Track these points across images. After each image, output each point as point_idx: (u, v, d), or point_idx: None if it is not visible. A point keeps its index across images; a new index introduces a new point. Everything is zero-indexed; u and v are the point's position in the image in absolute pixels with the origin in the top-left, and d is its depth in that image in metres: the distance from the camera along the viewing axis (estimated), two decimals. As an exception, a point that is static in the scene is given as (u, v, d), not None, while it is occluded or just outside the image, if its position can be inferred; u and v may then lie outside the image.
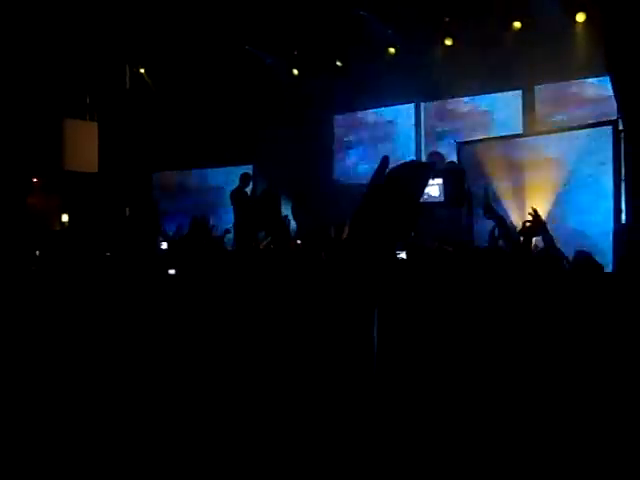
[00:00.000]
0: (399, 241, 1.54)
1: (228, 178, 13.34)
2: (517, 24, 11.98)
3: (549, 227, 4.46)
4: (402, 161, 1.59)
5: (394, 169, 1.56)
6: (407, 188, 1.52)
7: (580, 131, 10.31)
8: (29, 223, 12.24)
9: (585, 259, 3.75)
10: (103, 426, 2.13)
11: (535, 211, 4.61)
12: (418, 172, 1.59)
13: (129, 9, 12.34)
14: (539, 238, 4.50)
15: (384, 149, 13.76)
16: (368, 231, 1.48)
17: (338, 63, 14.04)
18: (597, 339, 2.37)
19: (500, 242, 5.41)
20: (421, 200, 1.60)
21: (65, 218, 13.79)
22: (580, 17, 11.40)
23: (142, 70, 15.55)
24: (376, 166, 1.53)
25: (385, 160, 1.57)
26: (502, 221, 4.67)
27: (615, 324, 2.58)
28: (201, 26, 12.81)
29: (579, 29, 11.39)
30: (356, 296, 1.43)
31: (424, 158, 12.64)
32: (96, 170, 14.81)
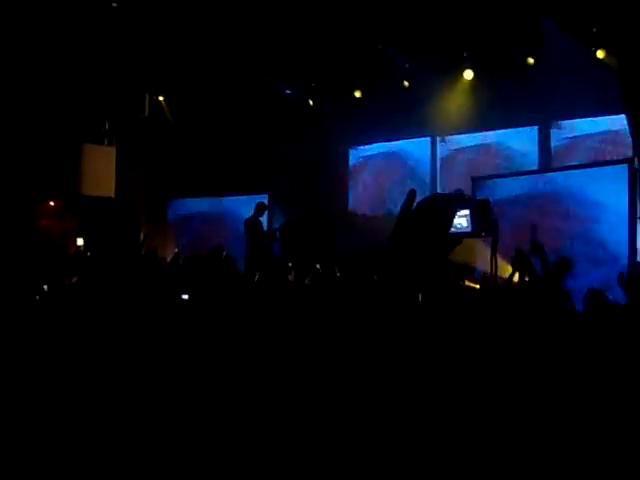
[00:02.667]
0: (431, 272, 1.55)
1: (243, 206, 13.36)
2: (531, 60, 11.98)
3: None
4: (425, 195, 1.61)
5: (424, 201, 1.58)
6: (437, 219, 1.54)
7: (596, 168, 10.33)
8: (43, 246, 12.28)
9: (597, 297, 3.74)
10: (103, 427, 2.13)
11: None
12: (447, 204, 1.60)
13: (151, 37, 12.49)
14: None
15: (399, 182, 13.79)
16: (401, 262, 1.49)
17: (357, 94, 14.10)
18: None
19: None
20: (450, 231, 1.62)
21: (80, 242, 13.86)
22: (600, 54, 11.35)
23: (161, 98, 15.69)
24: (403, 200, 1.55)
25: (412, 193, 1.59)
26: (546, 260, 4.65)
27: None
28: (221, 56, 12.93)
29: (598, 66, 11.33)
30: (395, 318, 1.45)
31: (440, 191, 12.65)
32: (112, 195, 14.90)
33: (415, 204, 1.57)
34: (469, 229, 1.79)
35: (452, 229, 1.67)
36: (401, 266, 1.50)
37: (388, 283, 1.50)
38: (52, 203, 13.89)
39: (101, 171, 14.76)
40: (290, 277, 7.49)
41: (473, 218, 1.77)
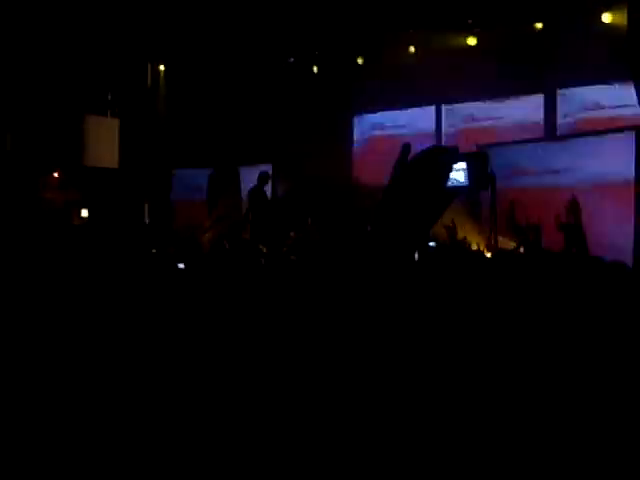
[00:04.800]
0: (429, 228, 1.51)
1: (246, 177, 13.29)
2: (539, 25, 11.84)
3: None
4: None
5: (418, 155, 1.54)
6: (433, 173, 1.50)
7: (602, 136, 10.25)
8: (48, 217, 12.31)
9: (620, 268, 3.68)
10: (103, 426, 2.12)
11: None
12: (443, 157, 1.57)
13: (151, 7, 12.39)
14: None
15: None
16: (395, 220, 1.45)
17: (359, 61, 14.00)
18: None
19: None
20: (448, 185, 1.58)
21: (85, 213, 13.85)
22: (606, 18, 11.19)
23: (162, 68, 15.60)
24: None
25: (407, 147, 1.57)
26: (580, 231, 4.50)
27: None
28: (221, 24, 12.83)
29: (604, 31, 11.17)
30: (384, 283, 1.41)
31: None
32: (116, 166, 14.89)
33: (412, 156, 1.54)
34: (466, 183, 1.75)
35: (449, 182, 1.64)
36: (397, 219, 1.46)
37: (382, 238, 1.45)
38: (56, 175, 13.91)
39: (104, 142, 14.73)
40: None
41: (470, 172, 1.73)
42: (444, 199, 1.53)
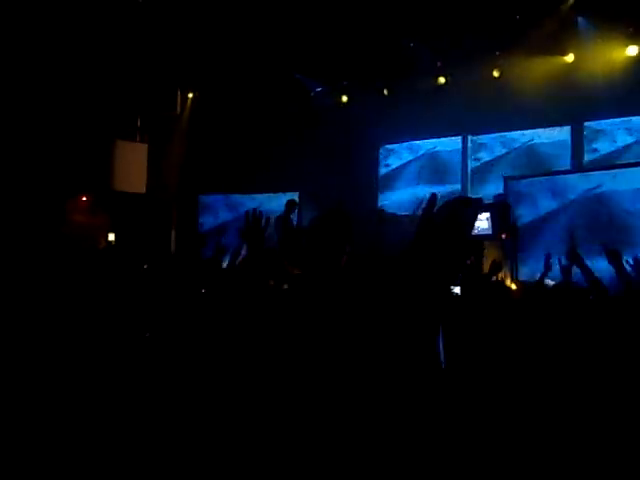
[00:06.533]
0: (455, 274, 1.56)
1: (273, 204, 13.37)
2: (567, 58, 11.85)
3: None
4: (449, 198, 1.62)
5: (444, 206, 1.59)
6: (458, 223, 1.55)
7: (629, 169, 10.21)
8: (75, 240, 12.42)
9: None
10: (104, 425, 2.14)
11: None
12: (467, 208, 1.61)
13: (183, 34, 12.56)
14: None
15: (429, 180, 13.75)
16: (423, 266, 1.50)
17: (385, 92, 14.07)
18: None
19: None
20: (472, 234, 1.63)
21: (112, 237, 13.98)
22: (632, 51, 11.19)
23: (190, 95, 15.78)
24: (424, 202, 1.56)
25: (433, 197, 1.61)
26: (588, 270, 4.46)
27: None
28: (251, 53, 12.97)
29: (631, 65, 11.17)
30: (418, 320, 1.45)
31: (470, 191, 12.59)
32: (144, 191, 15.03)
33: (437, 208, 1.58)
34: (489, 231, 1.81)
35: (475, 230, 1.70)
36: (424, 269, 1.51)
37: (411, 286, 1.51)
38: (84, 198, 14.08)
39: (133, 167, 14.88)
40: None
41: (494, 221, 1.79)
42: (468, 249, 1.60)
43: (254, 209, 2.92)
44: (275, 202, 13.23)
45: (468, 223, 1.57)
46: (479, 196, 10.61)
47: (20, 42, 11.67)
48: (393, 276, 1.61)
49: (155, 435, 2.08)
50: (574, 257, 4.77)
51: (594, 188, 10.29)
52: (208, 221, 15.44)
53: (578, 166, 11.90)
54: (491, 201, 9.70)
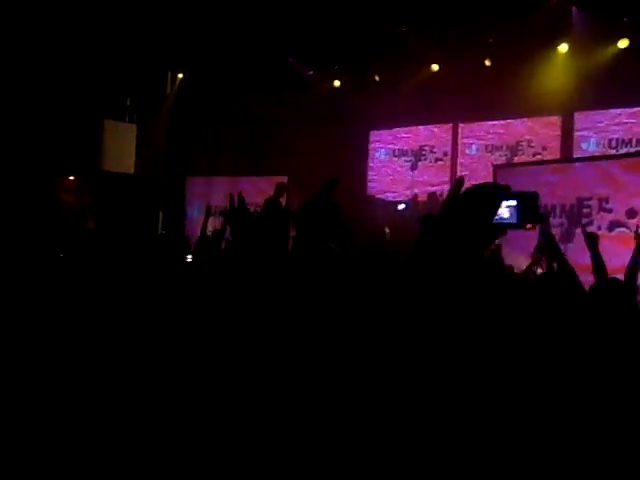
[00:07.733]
0: (473, 258, 1.57)
1: (260, 187, 13.29)
2: (561, 48, 11.83)
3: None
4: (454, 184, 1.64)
5: (468, 190, 1.61)
6: (481, 207, 1.57)
7: (618, 160, 10.22)
8: (62, 219, 12.39)
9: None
10: (104, 425, 2.13)
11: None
12: (492, 192, 1.63)
13: (174, 15, 12.47)
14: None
15: (418, 168, 13.73)
16: (442, 244, 1.52)
17: (376, 78, 14.02)
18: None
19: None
20: (494, 220, 1.65)
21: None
22: (622, 43, 11.22)
23: (180, 75, 15.68)
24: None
25: (461, 180, 1.63)
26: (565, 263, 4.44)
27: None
28: (240, 34, 12.89)
29: (621, 56, 11.17)
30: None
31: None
32: (132, 171, 14.98)
33: (463, 190, 1.61)
34: (513, 219, 1.82)
35: (496, 218, 1.72)
36: (441, 253, 1.52)
37: (427, 268, 1.52)
38: (72, 178, 13.99)
39: (121, 148, 14.82)
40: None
41: (519, 209, 1.81)
42: (490, 234, 1.60)
43: (239, 192, 2.90)
44: (264, 186, 13.15)
45: (491, 207, 1.59)
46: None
47: (8, 23, 11.56)
48: (406, 268, 1.61)
49: (144, 424, 2.07)
50: (551, 249, 4.74)
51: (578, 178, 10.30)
52: (195, 203, 15.36)
53: (568, 155, 11.92)
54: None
